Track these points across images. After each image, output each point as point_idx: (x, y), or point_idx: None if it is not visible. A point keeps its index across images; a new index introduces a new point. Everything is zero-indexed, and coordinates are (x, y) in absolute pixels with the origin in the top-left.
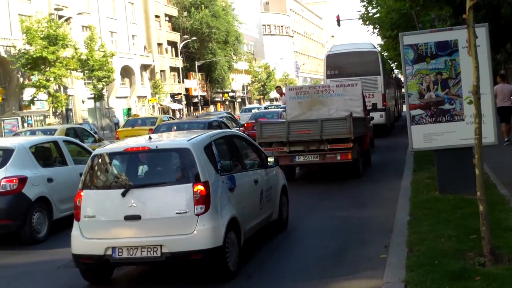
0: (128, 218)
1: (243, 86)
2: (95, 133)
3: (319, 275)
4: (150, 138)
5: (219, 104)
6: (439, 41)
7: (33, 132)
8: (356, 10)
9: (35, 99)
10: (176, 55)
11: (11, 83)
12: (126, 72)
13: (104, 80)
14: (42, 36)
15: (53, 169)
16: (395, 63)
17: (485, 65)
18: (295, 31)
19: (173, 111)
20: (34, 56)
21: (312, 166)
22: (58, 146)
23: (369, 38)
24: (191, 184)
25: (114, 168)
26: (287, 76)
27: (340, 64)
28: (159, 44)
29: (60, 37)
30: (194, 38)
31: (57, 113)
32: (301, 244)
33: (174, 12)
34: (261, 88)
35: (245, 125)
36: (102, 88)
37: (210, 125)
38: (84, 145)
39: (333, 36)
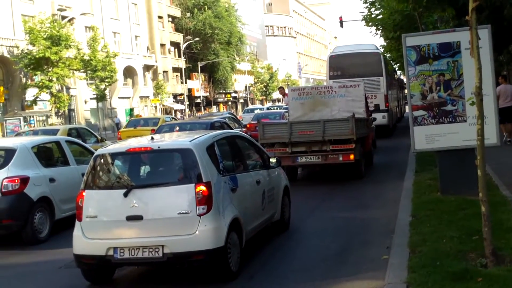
0: (130, 218)
1: (245, 87)
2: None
3: (321, 276)
4: (152, 138)
5: (221, 105)
6: (441, 43)
7: (35, 132)
8: (359, 12)
9: (38, 99)
10: (179, 56)
11: (13, 83)
12: (129, 72)
13: (106, 80)
14: (45, 36)
15: (55, 169)
16: (398, 64)
17: (487, 67)
18: (298, 32)
19: (175, 111)
20: (37, 56)
21: (314, 166)
22: (60, 146)
23: (372, 39)
24: (193, 184)
25: (116, 168)
26: (289, 77)
27: (342, 65)
28: (162, 45)
29: (63, 38)
30: (197, 38)
31: (60, 114)
32: (303, 245)
33: (177, 13)
34: (264, 89)
35: (248, 125)
36: (105, 89)
37: (212, 126)
38: (86, 145)
39: (336, 37)
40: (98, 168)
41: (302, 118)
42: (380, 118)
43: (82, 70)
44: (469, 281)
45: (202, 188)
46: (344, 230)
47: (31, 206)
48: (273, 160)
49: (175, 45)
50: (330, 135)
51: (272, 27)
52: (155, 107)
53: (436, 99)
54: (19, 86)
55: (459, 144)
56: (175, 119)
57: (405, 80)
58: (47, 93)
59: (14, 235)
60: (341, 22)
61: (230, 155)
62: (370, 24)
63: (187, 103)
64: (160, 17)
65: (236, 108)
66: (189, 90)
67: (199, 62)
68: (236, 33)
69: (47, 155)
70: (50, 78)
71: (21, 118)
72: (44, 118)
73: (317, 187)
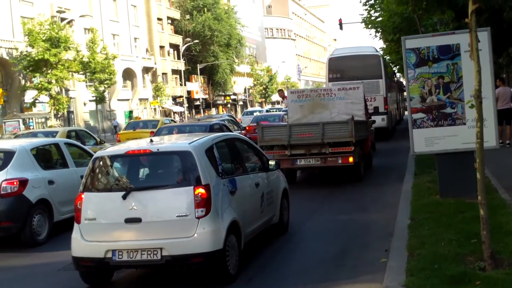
0: (128, 221)
1: (245, 89)
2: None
3: (320, 279)
4: (151, 140)
5: (221, 107)
6: (441, 45)
7: (34, 134)
8: (359, 14)
9: (37, 101)
10: (178, 58)
11: (13, 85)
12: (128, 74)
13: (106, 82)
14: (44, 38)
15: (54, 171)
16: (397, 67)
17: (487, 69)
18: (297, 34)
19: (174, 113)
20: (36, 58)
21: (313, 169)
22: (59, 149)
23: (372, 42)
24: (192, 187)
25: (115, 170)
26: (289, 79)
27: (342, 68)
28: (161, 47)
29: (62, 40)
30: (196, 41)
31: (59, 116)
32: (302, 248)
33: (176, 15)
34: (263, 91)
35: (247, 128)
36: (104, 91)
37: (211, 128)
38: (85, 147)
39: (335, 40)
40: (97, 170)
41: (301, 120)
42: (379, 121)
43: (81, 72)
44: (467, 284)
45: (201, 190)
46: (343, 232)
47: (29, 208)
48: (272, 162)
49: (175, 47)
50: (329, 137)
51: (272, 29)
52: (154, 109)
53: (435, 102)
54: (18, 88)
55: (458, 147)
56: (174, 122)
57: (404, 82)
58: (46, 95)
59: (12, 237)
60: (340, 24)
61: (229, 157)
62: (369, 26)
63: (187, 105)
64: (159, 19)
65: (236, 111)
66: (189, 92)
67: (198, 64)
68: (235, 35)
69: (46, 157)
70: (49, 80)
71: (20, 120)
72: (43, 120)
73: (316, 189)
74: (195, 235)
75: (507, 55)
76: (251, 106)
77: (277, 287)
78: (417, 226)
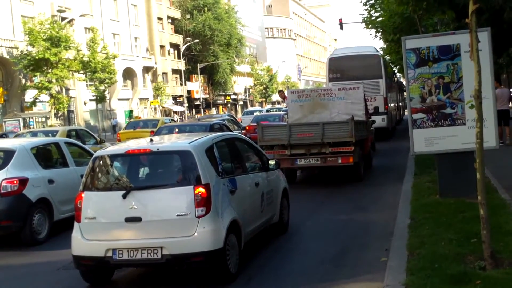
0: (128, 220)
1: (245, 89)
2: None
3: (320, 278)
4: (151, 140)
5: (221, 107)
6: (441, 45)
7: (34, 134)
8: (359, 14)
9: (37, 100)
10: (179, 58)
11: (13, 85)
12: (128, 74)
13: (106, 82)
14: (44, 37)
15: (54, 170)
16: (397, 67)
17: (487, 70)
18: (297, 34)
19: (174, 113)
20: (37, 57)
21: (313, 169)
22: (60, 148)
23: (372, 42)
24: (192, 186)
25: (115, 170)
26: (289, 79)
27: (342, 68)
28: (162, 46)
29: (62, 39)
30: (197, 40)
31: (59, 115)
32: (301, 247)
33: (176, 14)
34: (263, 90)
35: (247, 127)
36: (104, 90)
37: (211, 128)
38: (86, 146)
39: (335, 40)
40: (97, 169)
41: (302, 120)
42: (379, 121)
43: (82, 72)
44: (467, 284)
45: (201, 190)
46: (343, 232)
47: (30, 207)
48: (272, 162)
49: (175, 46)
50: (329, 137)
51: (272, 29)
52: (155, 108)
53: (435, 102)
54: (18, 87)
55: (458, 147)
56: (174, 121)
57: (404, 82)
58: (46, 94)
59: (12, 236)
60: (341, 24)
61: (229, 157)
62: (370, 26)
63: (187, 105)
64: (159, 18)
65: (236, 110)
66: (189, 92)
67: (198, 64)
68: (235, 35)
69: (46, 156)
70: (50, 79)
71: (21, 119)
72: (43, 119)
73: (316, 189)
74: (195, 234)
75: (507, 56)
76: (251, 106)
77: (277, 286)
78: (417, 225)
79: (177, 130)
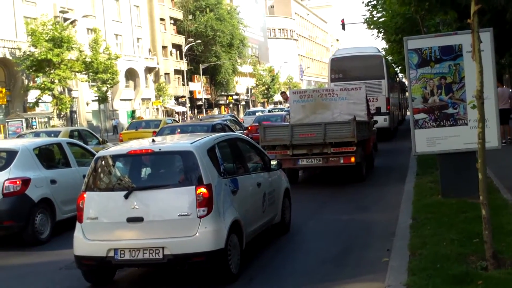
0: (130, 220)
1: (247, 89)
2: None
3: (321, 279)
4: (153, 140)
5: (223, 107)
6: (443, 46)
7: (37, 134)
8: (361, 14)
9: (40, 101)
10: (181, 58)
11: (16, 85)
12: (131, 74)
13: (108, 82)
14: (47, 38)
15: (56, 170)
16: (400, 67)
17: (489, 70)
18: (300, 35)
19: (176, 113)
20: (39, 58)
21: (315, 169)
22: (62, 148)
23: (374, 42)
24: (194, 186)
25: (117, 170)
26: (291, 80)
27: (344, 68)
28: (164, 47)
29: (65, 40)
30: (199, 41)
31: (62, 115)
32: (303, 247)
33: (179, 15)
34: (265, 91)
35: (249, 128)
36: (107, 91)
37: (213, 128)
38: (88, 147)
39: (337, 40)
40: (99, 170)
41: (304, 120)
42: (381, 121)
43: (84, 72)
44: (469, 284)
45: (203, 190)
46: (344, 232)
47: (32, 207)
48: (274, 162)
49: (177, 47)
50: (331, 137)
51: (274, 29)
52: (157, 109)
53: (437, 102)
54: (21, 88)
55: (460, 147)
56: (176, 121)
57: (406, 83)
58: (49, 95)
59: (15, 236)
60: (343, 24)
61: (231, 157)
62: (372, 27)
63: (189, 105)
64: (162, 19)
65: (238, 111)
66: (191, 92)
67: (200, 64)
68: (238, 36)
69: (48, 156)
70: (52, 80)
71: (23, 120)
72: (46, 120)
73: (318, 189)
74: (197, 234)
75: (509, 56)
76: (253, 106)
77: (279, 287)
78: (419, 226)
79: (179, 130)
